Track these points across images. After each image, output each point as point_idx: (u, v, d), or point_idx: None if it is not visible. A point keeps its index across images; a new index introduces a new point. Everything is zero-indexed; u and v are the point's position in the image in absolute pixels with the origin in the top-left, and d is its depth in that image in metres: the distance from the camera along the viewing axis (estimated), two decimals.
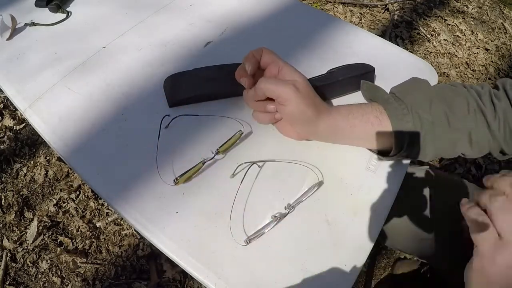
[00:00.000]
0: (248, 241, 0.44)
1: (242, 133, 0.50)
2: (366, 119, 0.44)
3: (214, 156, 0.48)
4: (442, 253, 0.59)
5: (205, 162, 0.48)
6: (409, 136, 0.42)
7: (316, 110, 0.44)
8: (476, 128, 0.44)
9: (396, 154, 0.45)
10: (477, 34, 1.68)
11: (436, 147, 0.44)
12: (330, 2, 1.74)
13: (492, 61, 1.61)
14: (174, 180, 0.46)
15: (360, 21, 1.69)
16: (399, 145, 0.44)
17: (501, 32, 1.72)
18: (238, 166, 0.48)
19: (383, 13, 1.72)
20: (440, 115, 0.43)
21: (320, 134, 0.47)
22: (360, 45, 0.65)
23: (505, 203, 0.31)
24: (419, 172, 0.67)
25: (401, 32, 1.65)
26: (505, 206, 0.31)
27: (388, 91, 0.49)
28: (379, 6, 1.74)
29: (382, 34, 1.61)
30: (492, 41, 1.67)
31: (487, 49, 1.64)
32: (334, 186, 0.49)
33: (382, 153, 0.48)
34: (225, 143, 0.49)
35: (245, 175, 0.46)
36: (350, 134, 0.46)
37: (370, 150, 0.50)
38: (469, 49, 1.63)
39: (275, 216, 0.45)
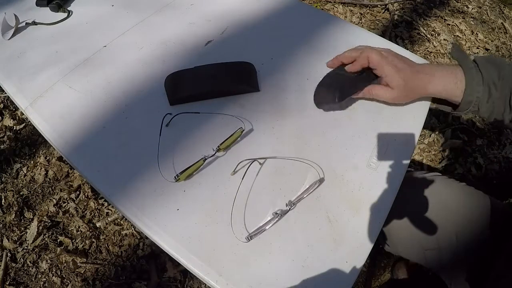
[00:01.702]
0: (249, 237, 0.44)
1: (243, 130, 0.51)
2: (448, 81, 0.52)
3: (215, 153, 0.48)
4: (446, 261, 0.59)
5: (206, 159, 0.48)
6: (475, 103, 0.52)
7: (414, 92, 0.54)
8: None
9: (461, 111, 0.54)
10: (477, 34, 1.69)
11: (490, 113, 0.53)
12: (330, 2, 1.74)
13: None
14: (175, 177, 0.46)
15: (360, 21, 1.69)
16: (466, 106, 0.53)
17: (501, 32, 1.72)
18: (239, 163, 0.48)
19: (383, 13, 1.73)
20: (505, 93, 0.51)
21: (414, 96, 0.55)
22: (361, 44, 0.65)
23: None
24: (420, 175, 0.66)
25: (401, 32, 1.65)
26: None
27: None
28: (379, 6, 1.74)
29: (382, 34, 1.62)
30: (492, 41, 1.67)
31: (487, 49, 1.64)
32: (335, 183, 0.49)
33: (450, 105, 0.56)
34: (226, 140, 0.49)
35: (246, 172, 0.46)
36: (437, 92, 0.54)
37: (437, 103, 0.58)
38: (469, 49, 1.64)
39: (276, 213, 0.45)
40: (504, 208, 0.61)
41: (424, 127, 1.35)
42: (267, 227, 0.44)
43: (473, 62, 0.52)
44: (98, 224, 1.12)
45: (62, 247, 1.08)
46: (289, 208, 0.46)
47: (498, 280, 0.48)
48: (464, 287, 0.56)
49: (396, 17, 1.70)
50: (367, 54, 0.52)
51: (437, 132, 1.36)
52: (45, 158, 1.25)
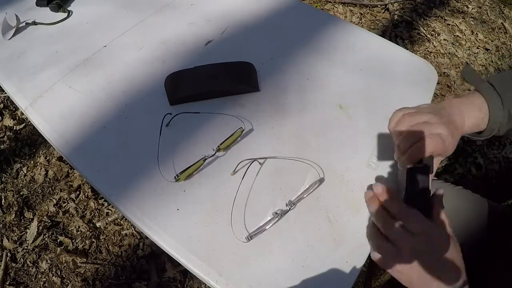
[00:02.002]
0: (249, 237, 0.44)
1: (243, 130, 0.51)
2: (475, 113, 0.50)
3: (215, 153, 0.48)
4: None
5: (206, 159, 0.48)
6: (498, 128, 0.50)
7: (455, 136, 0.48)
8: None
9: (483, 137, 0.52)
10: (477, 34, 1.69)
11: (508, 132, 0.52)
12: (330, 2, 1.74)
13: (492, 61, 1.61)
14: (175, 177, 0.46)
15: (360, 21, 1.69)
16: (489, 133, 0.51)
17: (501, 32, 1.72)
18: (239, 163, 0.48)
19: (383, 13, 1.73)
20: None
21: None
22: (361, 44, 0.65)
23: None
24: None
25: (401, 32, 1.65)
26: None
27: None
28: (379, 6, 1.74)
29: (382, 34, 1.62)
30: (492, 41, 1.67)
31: (487, 49, 1.64)
32: (335, 183, 0.49)
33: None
34: (226, 140, 0.49)
35: (246, 172, 0.46)
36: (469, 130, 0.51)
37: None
38: (469, 49, 1.63)
39: (276, 213, 0.45)
40: (502, 210, 0.61)
41: None
42: (267, 227, 0.44)
43: (489, 84, 0.50)
44: (98, 224, 1.12)
45: (62, 247, 1.08)
46: (289, 208, 0.46)
47: (498, 281, 0.48)
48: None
49: (396, 17, 1.70)
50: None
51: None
52: (45, 158, 1.25)
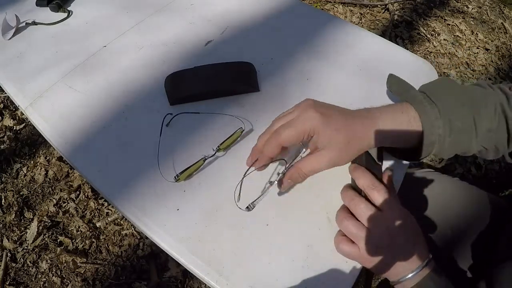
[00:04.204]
0: (251, 206, 0.44)
1: (243, 130, 0.51)
2: (399, 123, 0.42)
3: (215, 153, 0.48)
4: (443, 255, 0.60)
5: (206, 159, 0.48)
6: (438, 142, 0.42)
7: (348, 132, 0.40)
8: (497, 132, 0.43)
9: (424, 156, 0.43)
10: (477, 34, 1.69)
11: (457, 150, 0.44)
12: (330, 2, 1.74)
13: (492, 61, 1.61)
14: (175, 177, 0.46)
15: (360, 21, 1.69)
16: (428, 150, 0.43)
17: (501, 32, 1.72)
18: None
19: (383, 13, 1.73)
20: (469, 123, 0.41)
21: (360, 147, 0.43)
22: (361, 44, 0.65)
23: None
24: (419, 174, 0.67)
25: (401, 32, 1.65)
26: None
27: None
28: (379, 6, 1.74)
29: (382, 34, 1.62)
30: (492, 41, 1.67)
31: (487, 49, 1.64)
32: (335, 183, 0.49)
33: (405, 153, 0.47)
34: (226, 140, 0.49)
35: (245, 174, 0.46)
36: (385, 138, 0.42)
37: (390, 151, 0.48)
38: (469, 49, 1.64)
39: (271, 182, 0.45)
40: (499, 201, 0.62)
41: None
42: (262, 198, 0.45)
43: (422, 93, 0.43)
44: (98, 224, 1.12)
45: (62, 247, 1.08)
46: (281, 174, 0.44)
47: (502, 262, 0.48)
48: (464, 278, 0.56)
49: (396, 17, 1.70)
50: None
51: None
52: (45, 158, 1.25)
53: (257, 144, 0.45)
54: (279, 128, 0.41)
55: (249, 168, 0.45)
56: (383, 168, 0.47)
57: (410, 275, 0.40)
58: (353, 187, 0.44)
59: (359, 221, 0.41)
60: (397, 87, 0.49)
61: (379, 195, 0.41)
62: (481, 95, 0.44)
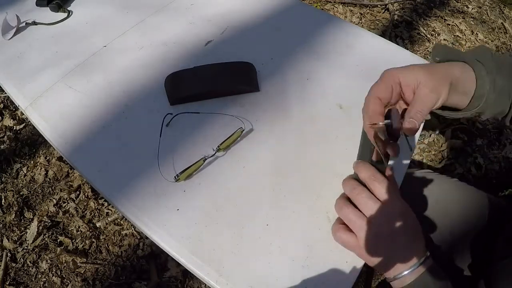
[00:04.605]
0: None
1: (243, 130, 0.51)
2: (460, 72, 0.44)
3: (215, 153, 0.48)
4: (443, 256, 0.60)
5: (206, 159, 0.48)
6: (486, 96, 0.44)
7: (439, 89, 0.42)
8: None
9: (471, 109, 0.46)
10: (477, 34, 1.68)
11: (497, 109, 0.46)
12: (330, 2, 1.74)
13: None
14: (175, 177, 0.46)
15: (360, 21, 1.69)
16: (476, 103, 0.45)
17: (501, 32, 1.72)
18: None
19: (383, 13, 1.73)
20: (508, 84, 0.45)
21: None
22: (361, 44, 0.65)
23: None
24: (418, 174, 0.67)
25: (401, 32, 1.65)
26: None
27: None
28: (379, 6, 1.74)
29: (382, 34, 1.62)
30: (492, 41, 1.67)
31: None
32: (335, 183, 0.49)
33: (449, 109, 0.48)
34: (226, 140, 0.49)
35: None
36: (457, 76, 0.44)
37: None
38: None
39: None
40: (498, 202, 0.62)
41: (424, 127, 1.35)
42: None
43: (471, 55, 0.46)
44: (98, 224, 1.12)
45: (62, 247, 1.08)
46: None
47: (501, 261, 0.48)
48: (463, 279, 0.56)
49: (396, 17, 1.70)
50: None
51: (437, 132, 1.36)
52: (45, 158, 1.25)
53: (364, 121, 0.45)
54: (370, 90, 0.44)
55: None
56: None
57: (406, 272, 0.39)
58: (355, 179, 0.44)
59: (359, 210, 0.41)
60: (445, 53, 0.49)
61: (380, 187, 0.41)
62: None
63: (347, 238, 0.42)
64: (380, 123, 0.40)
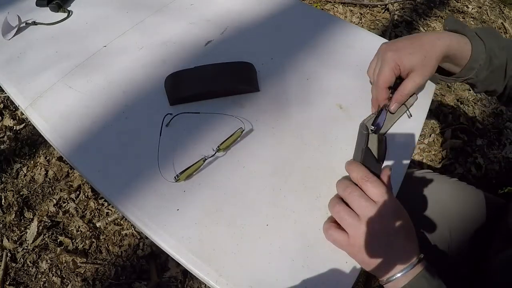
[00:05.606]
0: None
1: (243, 131, 0.51)
2: (456, 42, 0.50)
3: (215, 153, 0.48)
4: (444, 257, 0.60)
5: (206, 159, 0.48)
6: (477, 70, 0.50)
7: (432, 66, 0.49)
8: None
9: (461, 77, 0.52)
10: None
11: (488, 86, 0.52)
12: (330, 2, 1.74)
13: None
14: (175, 177, 0.46)
15: (360, 21, 1.69)
16: (466, 74, 0.51)
17: (501, 32, 1.72)
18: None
19: (383, 13, 1.73)
20: (503, 63, 0.50)
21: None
22: (361, 44, 0.65)
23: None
24: (418, 174, 0.67)
25: (401, 32, 1.65)
26: None
27: None
28: (379, 6, 1.74)
29: (382, 34, 1.62)
30: None
31: None
32: (335, 184, 0.49)
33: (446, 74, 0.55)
34: (226, 140, 0.49)
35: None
36: (447, 45, 0.50)
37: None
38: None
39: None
40: (497, 200, 0.62)
41: (424, 127, 1.35)
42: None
43: (473, 32, 0.51)
44: (98, 224, 1.12)
45: (62, 247, 1.08)
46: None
47: (496, 255, 0.48)
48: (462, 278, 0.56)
49: (396, 17, 1.70)
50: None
51: (437, 132, 1.36)
52: (45, 158, 1.25)
53: (372, 96, 0.54)
54: (376, 77, 0.51)
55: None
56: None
57: (400, 274, 0.39)
58: (349, 179, 0.44)
59: (352, 209, 0.41)
60: (453, 24, 0.53)
61: (372, 187, 0.41)
62: None
63: (338, 236, 0.41)
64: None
